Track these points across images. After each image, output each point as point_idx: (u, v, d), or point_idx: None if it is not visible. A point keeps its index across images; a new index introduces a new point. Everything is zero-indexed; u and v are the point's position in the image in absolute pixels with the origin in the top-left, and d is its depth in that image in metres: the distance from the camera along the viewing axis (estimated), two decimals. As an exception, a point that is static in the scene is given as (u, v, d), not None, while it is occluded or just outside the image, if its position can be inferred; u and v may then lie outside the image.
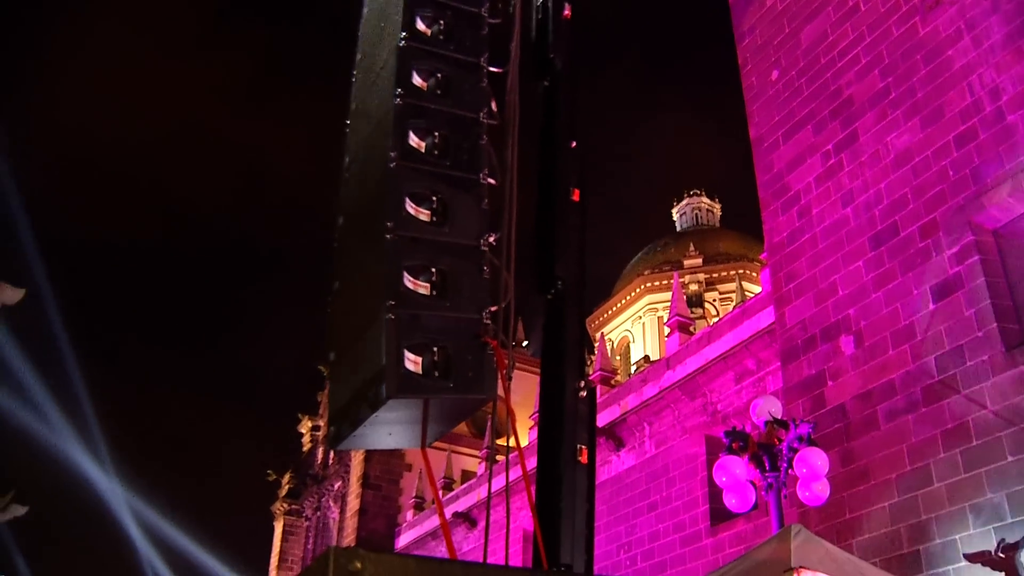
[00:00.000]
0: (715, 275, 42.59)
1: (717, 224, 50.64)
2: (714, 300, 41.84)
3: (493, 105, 3.79)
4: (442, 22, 3.80)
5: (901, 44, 12.17)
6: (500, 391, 3.29)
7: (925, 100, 11.53)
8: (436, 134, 3.59)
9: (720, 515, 15.94)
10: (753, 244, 40.57)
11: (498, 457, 23.17)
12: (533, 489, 3.51)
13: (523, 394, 12.72)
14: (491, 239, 3.50)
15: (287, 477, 46.67)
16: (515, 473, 3.77)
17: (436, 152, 3.57)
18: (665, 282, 41.62)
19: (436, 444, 4.44)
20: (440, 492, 29.66)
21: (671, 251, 46.02)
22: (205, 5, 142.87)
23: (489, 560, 3.33)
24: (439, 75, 3.71)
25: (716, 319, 24.05)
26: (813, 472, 9.16)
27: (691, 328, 20.18)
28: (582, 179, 4.15)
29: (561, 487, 3.43)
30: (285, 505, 45.57)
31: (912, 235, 11.20)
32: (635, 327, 43.90)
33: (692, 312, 24.49)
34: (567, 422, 3.58)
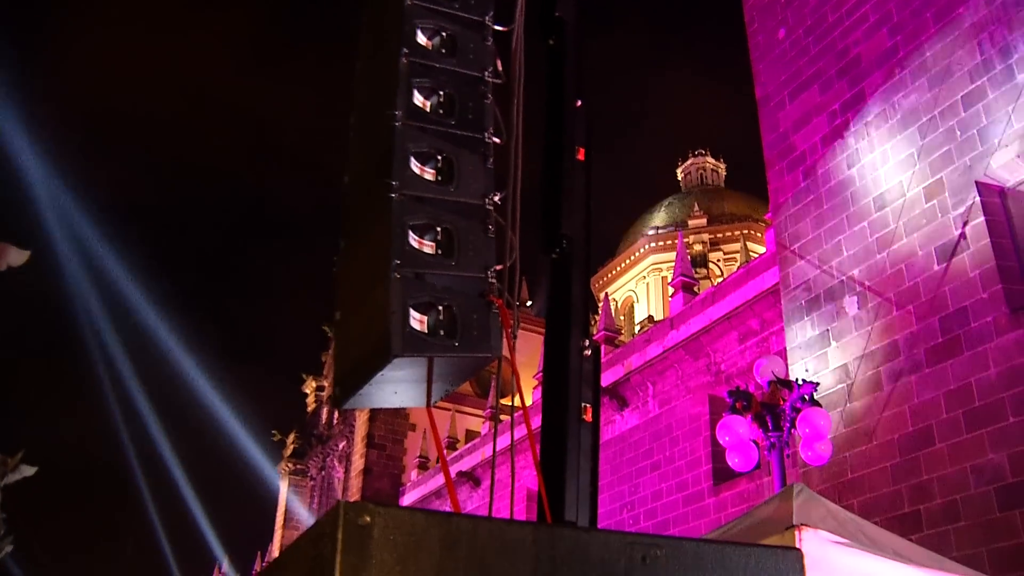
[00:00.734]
0: (719, 235, 42.55)
1: (722, 184, 50.47)
2: (718, 260, 41.85)
3: (498, 64, 3.76)
4: (447, -21, 3.76)
5: (910, 2, 12.03)
6: (505, 350, 3.30)
7: (933, 59, 11.42)
8: (441, 93, 3.57)
9: (723, 474, 16.05)
10: (758, 204, 40.44)
11: (502, 416, 23.30)
12: (538, 447, 3.53)
13: (527, 354, 12.76)
14: (496, 198, 3.49)
15: (292, 437, 47.05)
16: (519, 432, 3.79)
17: (441, 111, 3.55)
18: (669, 242, 41.58)
19: (440, 404, 4.46)
20: (444, 451, 29.84)
21: (676, 211, 45.92)
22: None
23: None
24: (444, 33, 3.68)
25: (720, 279, 24.02)
26: (816, 432, 9.21)
27: (695, 288, 20.15)
28: (588, 138, 4.12)
29: (565, 445, 3.45)
30: (290, 465, 45.98)
31: (918, 196, 11.16)
32: (639, 287, 43.94)
33: (696, 272, 24.47)
34: (571, 381, 3.58)
